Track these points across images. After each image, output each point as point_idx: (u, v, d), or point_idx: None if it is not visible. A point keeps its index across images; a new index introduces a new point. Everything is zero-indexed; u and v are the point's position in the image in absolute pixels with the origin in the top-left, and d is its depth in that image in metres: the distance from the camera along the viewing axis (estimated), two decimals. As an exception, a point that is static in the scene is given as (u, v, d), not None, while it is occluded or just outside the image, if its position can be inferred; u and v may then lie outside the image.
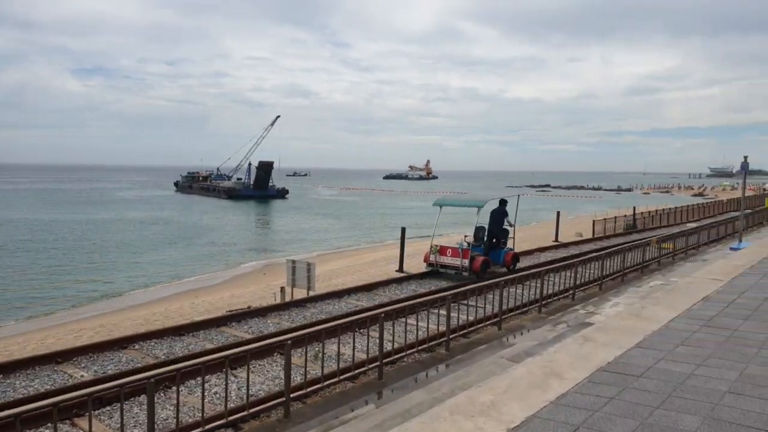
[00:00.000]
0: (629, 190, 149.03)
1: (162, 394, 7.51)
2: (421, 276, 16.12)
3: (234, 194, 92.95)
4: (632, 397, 4.27)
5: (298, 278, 18.61)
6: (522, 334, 8.73)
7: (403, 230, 19.15)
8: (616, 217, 35.68)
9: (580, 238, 29.82)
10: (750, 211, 52.32)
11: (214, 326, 11.00)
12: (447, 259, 17.09)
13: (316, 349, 8.79)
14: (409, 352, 8.22)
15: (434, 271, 16.96)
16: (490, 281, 10.70)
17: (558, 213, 30.98)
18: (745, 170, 15.27)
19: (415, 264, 22.49)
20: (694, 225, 36.79)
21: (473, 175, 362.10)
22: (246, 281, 34.65)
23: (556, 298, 11.59)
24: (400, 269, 18.03)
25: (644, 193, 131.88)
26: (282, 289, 17.80)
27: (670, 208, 41.98)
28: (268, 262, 41.95)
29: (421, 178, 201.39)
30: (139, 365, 8.73)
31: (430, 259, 17.42)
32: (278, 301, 17.46)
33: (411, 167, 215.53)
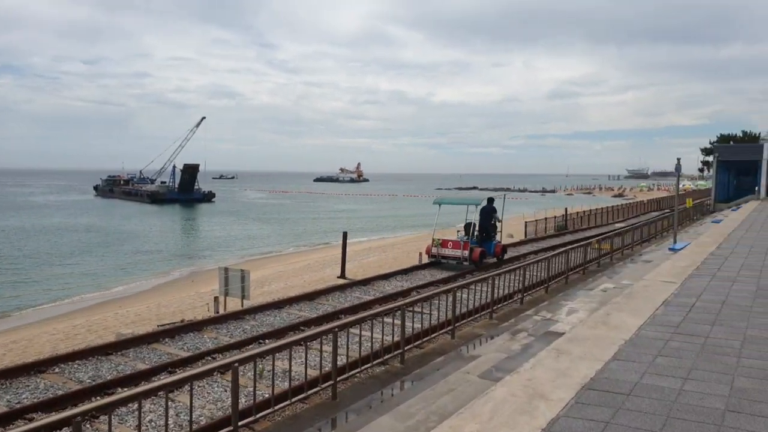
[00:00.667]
0: (553, 191, 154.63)
1: (88, 425, 6.61)
2: (363, 282, 15.60)
3: (158, 198, 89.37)
4: (629, 420, 3.91)
5: (232, 287, 17.70)
6: (481, 344, 8.37)
7: (345, 235, 18.57)
8: (546, 218, 36.46)
9: (513, 240, 30.20)
10: (668, 211, 55.19)
11: (144, 343, 10.03)
12: (448, 251, 19.18)
13: (260, 366, 8.10)
14: (363, 367, 7.67)
15: (436, 262, 19.23)
16: (442, 288, 10.33)
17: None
18: (679, 172, 15.70)
19: (356, 269, 21.97)
20: (622, 225, 38.27)
21: (404, 178, 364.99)
22: (173, 289, 32.93)
23: (504, 303, 11.37)
24: (342, 275, 17.42)
25: (567, 194, 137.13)
26: (215, 299, 16.79)
27: (597, 209, 43.49)
28: (195, 268, 40.20)
29: (352, 180, 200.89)
30: (61, 392, 7.72)
31: (433, 251, 19.50)
32: (212, 312, 16.47)
33: (342, 169, 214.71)
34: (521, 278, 11.79)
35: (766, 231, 16.76)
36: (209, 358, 8.96)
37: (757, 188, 37.61)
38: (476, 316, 10.40)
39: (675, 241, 16.13)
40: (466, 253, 18.50)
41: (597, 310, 7.49)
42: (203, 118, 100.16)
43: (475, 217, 19.84)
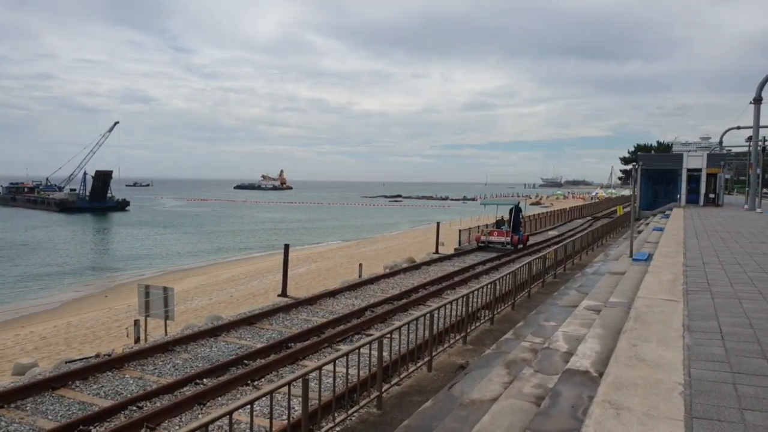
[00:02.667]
0: (474, 199, 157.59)
1: None
2: (309, 301, 13.97)
3: (67, 206, 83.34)
4: None
5: (153, 306, 15.67)
6: (470, 380, 7.05)
7: (287, 248, 16.84)
8: (479, 226, 35.99)
9: (447, 251, 29.40)
10: (590, 218, 56.61)
11: (48, 389, 8.02)
12: (494, 238, 25.88)
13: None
14: (338, 420, 6.16)
15: (483, 246, 25.92)
16: (421, 314, 8.98)
17: (438, 224, 30.18)
18: (636, 177, 15.19)
19: (289, 282, 20.13)
20: (554, 232, 38.54)
21: (327, 186, 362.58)
22: (85, 306, 30.06)
23: (472, 324, 10.16)
24: (284, 293, 15.69)
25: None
26: (135, 323, 14.65)
27: (525, 217, 43.76)
28: (109, 282, 37.17)
29: (275, 188, 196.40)
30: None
31: (482, 238, 26.48)
32: (131, 338, 14.33)
33: (264, 177, 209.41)
34: (491, 294, 10.63)
35: (717, 239, 16.60)
36: (134, 407, 7.14)
37: (678, 196, 38.88)
38: (450, 341, 9.11)
39: (632, 251, 15.63)
40: (508, 239, 25.16)
41: (609, 338, 6.37)
42: (116, 122, 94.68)
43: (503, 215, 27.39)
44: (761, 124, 34.60)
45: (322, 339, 9.98)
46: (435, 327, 8.27)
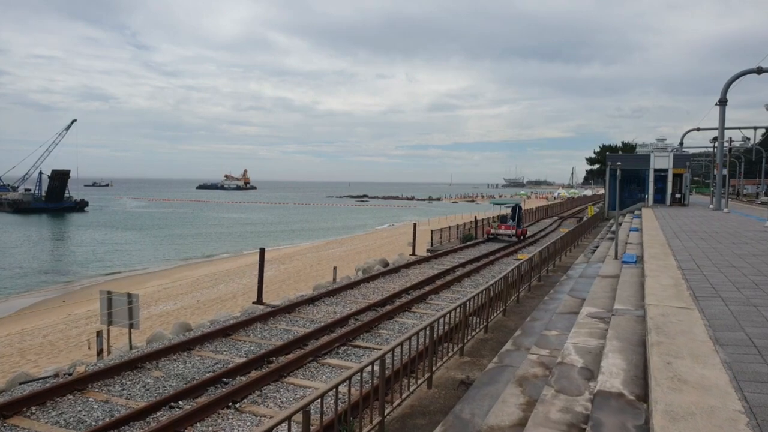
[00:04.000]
0: (439, 199, 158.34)
1: None
2: (287, 309, 13.14)
3: (21, 207, 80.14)
4: None
5: (116, 314, 14.62)
6: (479, 400, 6.41)
7: (262, 252, 15.98)
8: (450, 227, 35.59)
9: (420, 252, 28.85)
10: (557, 218, 56.93)
11: (-2, 419, 7.05)
12: (503, 231, 31.04)
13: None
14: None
15: (492, 238, 31.25)
16: (421, 327, 8.32)
17: (414, 225, 29.52)
18: (616, 177, 14.84)
19: (267, 290, 19.30)
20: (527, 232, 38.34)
21: (292, 185, 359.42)
22: (41, 312, 28.57)
23: (471, 334, 9.52)
24: (259, 300, 14.81)
25: (453, 202, 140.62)
26: (98, 334, 13.59)
27: (493, 216, 43.63)
28: (66, 287, 35.59)
29: (238, 188, 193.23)
30: None
31: (492, 231, 31.64)
32: (93, 349, 13.27)
33: (227, 176, 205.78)
34: (486, 299, 10.02)
35: (698, 240, 16.44)
36: (100, 439, 6.26)
37: (646, 196, 39.23)
38: (448, 354, 8.45)
39: (617, 253, 15.31)
40: (513, 231, 30.60)
41: (630, 352, 5.82)
42: (74, 120, 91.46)
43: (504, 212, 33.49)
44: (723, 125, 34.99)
45: (307, 352, 9.22)
46: (434, 336, 7.59)
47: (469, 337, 9.02)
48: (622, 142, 61.95)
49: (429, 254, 24.60)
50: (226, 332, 10.90)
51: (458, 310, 8.51)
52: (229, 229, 67.74)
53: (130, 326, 14.16)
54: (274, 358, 9.14)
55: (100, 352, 13.03)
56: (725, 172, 37.70)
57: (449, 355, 8.25)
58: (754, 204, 52.99)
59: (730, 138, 40.82)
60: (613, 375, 5.60)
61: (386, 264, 24.09)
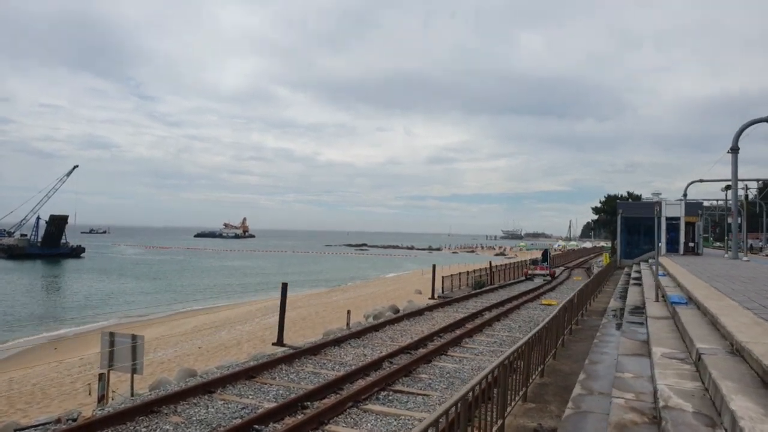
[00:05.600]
0: (439, 249, 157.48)
1: None
2: (312, 350, 12.04)
3: (16, 253, 78.78)
4: None
5: (119, 357, 13.45)
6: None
7: (284, 287, 14.98)
8: (460, 274, 34.66)
9: (425, 299, 27.80)
10: (563, 267, 55.92)
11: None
12: (538, 271, 37.09)
13: None
14: None
15: (529, 278, 36.06)
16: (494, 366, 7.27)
17: (434, 266, 28.44)
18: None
19: (262, 330, 18.18)
20: (540, 280, 37.36)
21: (291, 234, 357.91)
22: (32, 358, 27.25)
23: (532, 378, 8.42)
24: (279, 341, 13.71)
25: (453, 252, 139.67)
26: (100, 378, 12.41)
27: (500, 265, 42.74)
28: (58, 333, 34.23)
29: (236, 236, 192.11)
30: None
31: (529, 272, 37.45)
32: (94, 395, 12.12)
33: (226, 225, 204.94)
34: (544, 339, 8.94)
35: (738, 283, 15.53)
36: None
37: (660, 244, 38.44)
38: (512, 401, 7.37)
39: (657, 295, 14.37)
40: (547, 271, 36.79)
41: (755, 395, 4.84)
42: (76, 166, 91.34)
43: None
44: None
45: (345, 397, 8.13)
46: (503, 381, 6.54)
47: (531, 381, 7.97)
48: (628, 192, 61.69)
49: (442, 300, 23.54)
50: (249, 374, 9.78)
51: (521, 349, 7.50)
52: (226, 278, 66.42)
53: (133, 370, 13.02)
54: (308, 403, 8.05)
55: (101, 398, 11.85)
56: (740, 220, 37.06)
57: (514, 402, 7.20)
58: (765, 255, 52.21)
59: (746, 185, 40.41)
60: (755, 420, 4.60)
61: (397, 310, 23.06)
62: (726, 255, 37.41)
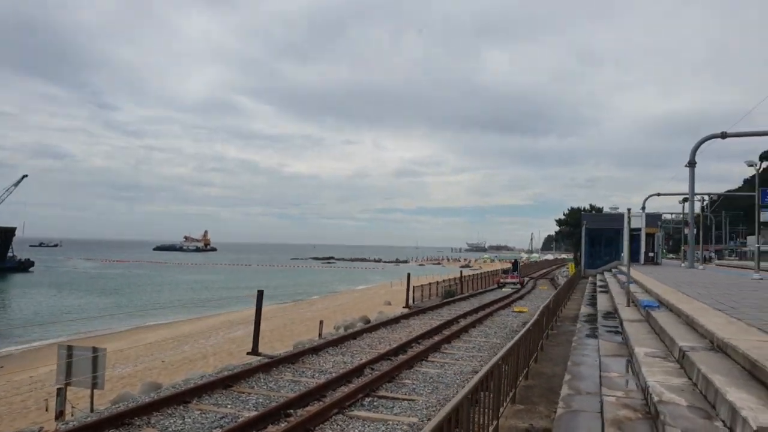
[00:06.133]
0: (406, 261, 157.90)
1: None
2: (290, 359, 11.80)
3: (-47, 267, 75.19)
4: None
5: (77, 371, 12.88)
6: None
7: (260, 294, 14.65)
8: (430, 284, 34.83)
9: (397, 310, 27.78)
10: (527, 278, 56.77)
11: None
12: (509, 280, 39.13)
13: None
14: None
15: (500, 286, 37.97)
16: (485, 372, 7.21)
17: (408, 275, 28.38)
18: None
19: (228, 343, 17.79)
20: (509, 290, 37.77)
21: (255, 247, 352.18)
22: (-29, 379, 25.85)
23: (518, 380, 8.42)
24: (254, 351, 13.41)
25: (420, 265, 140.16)
26: (58, 393, 11.90)
27: (468, 276, 43.15)
28: (4, 350, 32.82)
29: (198, 249, 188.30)
30: None
31: (501, 281, 39.75)
32: (51, 412, 11.61)
33: (187, 237, 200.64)
34: (529, 343, 8.97)
35: (701, 288, 15.99)
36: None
37: (622, 254, 39.33)
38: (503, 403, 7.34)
39: (629, 301, 14.67)
40: (517, 280, 38.85)
41: (755, 388, 4.93)
42: (24, 176, 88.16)
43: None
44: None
45: (329, 404, 7.95)
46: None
47: (518, 383, 7.98)
48: (590, 205, 63.17)
49: (416, 309, 23.54)
50: (225, 383, 9.46)
51: (510, 351, 7.50)
52: (187, 292, 64.93)
53: (94, 385, 12.46)
54: (291, 411, 7.84)
55: (60, 415, 11.31)
56: (695, 231, 38.27)
57: (506, 402, 7.19)
58: (714, 264, 54.00)
59: (702, 197, 41.85)
60: (755, 410, 4.67)
61: (368, 321, 22.93)
62: (683, 264, 38.58)
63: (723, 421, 4.99)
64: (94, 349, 12.77)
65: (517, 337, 7.55)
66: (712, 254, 78.83)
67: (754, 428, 4.17)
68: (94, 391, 12.35)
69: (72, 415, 11.34)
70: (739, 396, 5.07)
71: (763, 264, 35.11)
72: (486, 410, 6.30)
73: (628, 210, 15.17)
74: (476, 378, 5.52)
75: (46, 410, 13.54)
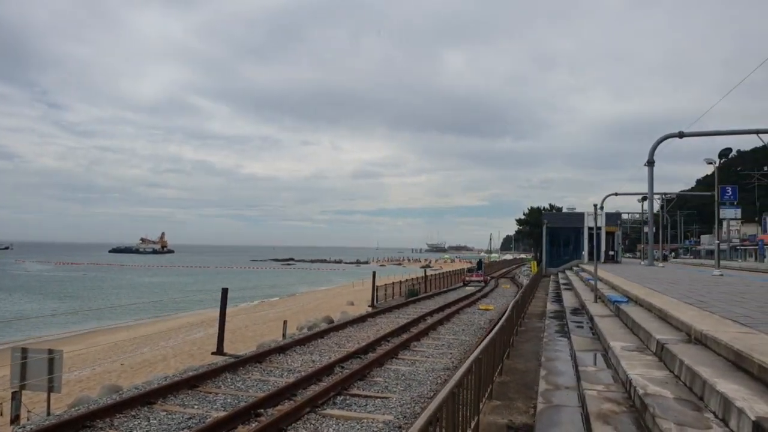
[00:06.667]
0: (367, 262, 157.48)
1: None
2: (257, 358, 11.37)
3: None
4: None
5: (32, 374, 12.27)
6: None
7: (225, 292, 14.11)
8: (393, 283, 34.67)
9: (362, 310, 27.53)
10: (488, 277, 57.19)
11: None
12: (474, 278, 40.82)
13: None
14: None
15: (466, 284, 40.03)
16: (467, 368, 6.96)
17: (374, 273, 28.10)
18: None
19: (189, 345, 17.35)
20: (472, 289, 37.89)
21: (213, 249, 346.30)
22: None
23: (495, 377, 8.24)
24: (219, 351, 12.91)
25: (381, 265, 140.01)
26: (13, 396, 11.28)
27: (432, 276, 43.22)
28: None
29: (155, 251, 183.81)
30: None
31: (466, 279, 41.64)
32: (6, 416, 11.01)
33: (143, 239, 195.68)
34: (503, 339, 8.81)
35: (667, 284, 16.22)
36: None
37: (583, 253, 39.96)
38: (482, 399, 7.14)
39: (596, 297, 14.75)
40: (481, 278, 40.65)
41: (740, 378, 4.85)
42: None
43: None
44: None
45: (301, 403, 7.61)
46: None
47: (494, 378, 7.80)
48: (550, 204, 64.15)
49: (382, 308, 23.30)
50: (191, 384, 9.00)
51: (487, 347, 7.30)
52: (145, 295, 63.20)
53: (50, 388, 11.83)
54: (262, 410, 7.46)
55: (15, 419, 10.68)
56: (654, 229, 39.13)
57: (485, 398, 6.98)
58: (670, 262, 55.46)
59: (662, 196, 42.85)
60: (749, 400, 4.55)
61: (331, 321, 22.59)
62: (642, 262, 39.45)
63: (713, 413, 4.88)
64: (50, 351, 12.17)
65: (493, 332, 7.37)
66: (666, 253, 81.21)
67: (753, 419, 4.04)
68: (51, 394, 11.76)
69: (28, 419, 10.72)
70: (730, 387, 4.97)
71: (712, 262, 36.06)
72: (467, 406, 6.08)
73: (595, 207, 15.26)
74: (459, 373, 5.29)
75: (0, 414, 12.83)
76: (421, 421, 3.85)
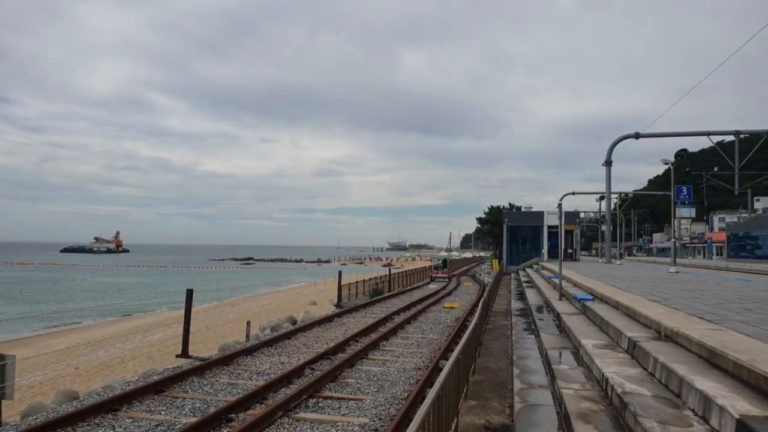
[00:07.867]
0: (328, 261, 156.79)
1: None
2: (224, 360, 11.08)
3: None
4: None
5: (-19, 382, 11.67)
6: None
7: (190, 293, 13.74)
8: (357, 282, 34.57)
9: (325, 309, 27.33)
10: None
11: None
12: (440, 275, 44.27)
13: None
14: None
15: (433, 280, 43.12)
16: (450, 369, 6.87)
17: (340, 273, 27.91)
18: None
19: (161, 352, 16.82)
20: (435, 286, 38.03)
21: (170, 249, 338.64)
22: None
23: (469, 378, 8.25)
24: (185, 353, 12.54)
25: (342, 264, 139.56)
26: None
27: (395, 274, 43.30)
28: None
29: (109, 251, 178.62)
30: None
31: (432, 275, 45.06)
32: None
33: (97, 238, 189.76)
34: (475, 340, 8.82)
35: (628, 282, 16.59)
36: None
37: (543, 251, 40.63)
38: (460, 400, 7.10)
39: (560, 295, 14.96)
40: (446, 275, 43.84)
41: (717, 376, 4.93)
42: None
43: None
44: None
45: (273, 407, 7.41)
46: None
47: (469, 378, 7.77)
48: (510, 203, 65.10)
49: (347, 308, 23.15)
50: (157, 388, 8.67)
51: (466, 347, 7.27)
52: (99, 296, 61.33)
53: (1, 395, 11.27)
54: (233, 415, 7.24)
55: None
56: (611, 228, 40.10)
57: (461, 401, 6.94)
58: (626, 260, 56.99)
59: (619, 195, 43.88)
60: (728, 398, 4.61)
61: (294, 321, 22.33)
62: (600, 260, 40.36)
63: (692, 410, 4.93)
64: (1, 356, 11.57)
65: (469, 331, 7.35)
66: (622, 251, 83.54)
67: (736, 417, 4.08)
68: (3, 402, 11.19)
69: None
70: (708, 384, 5.04)
71: (664, 259, 37.21)
72: (449, 409, 6.03)
73: (560, 205, 15.46)
74: (442, 375, 5.21)
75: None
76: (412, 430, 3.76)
